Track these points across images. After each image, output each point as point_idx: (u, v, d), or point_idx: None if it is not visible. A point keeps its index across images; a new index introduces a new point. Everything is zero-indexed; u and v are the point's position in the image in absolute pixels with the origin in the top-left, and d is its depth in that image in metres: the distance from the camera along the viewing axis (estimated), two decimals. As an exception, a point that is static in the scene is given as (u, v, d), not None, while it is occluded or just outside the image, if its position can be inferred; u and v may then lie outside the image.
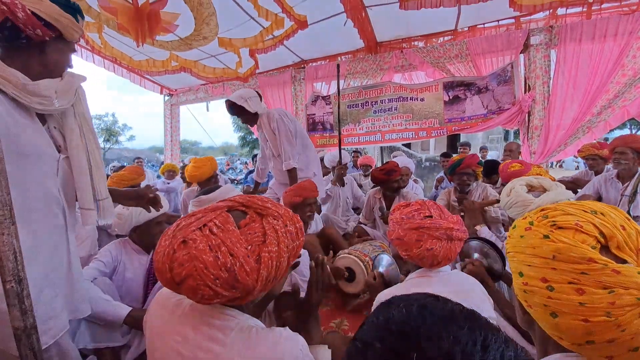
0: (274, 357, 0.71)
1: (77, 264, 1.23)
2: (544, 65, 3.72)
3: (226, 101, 2.72)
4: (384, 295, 1.16)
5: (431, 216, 1.19)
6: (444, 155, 4.88)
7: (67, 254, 1.16)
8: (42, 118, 1.10)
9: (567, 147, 3.75)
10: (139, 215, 1.65)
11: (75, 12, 1.08)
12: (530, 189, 1.52)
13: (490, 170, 3.41)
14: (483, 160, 3.57)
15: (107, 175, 4.21)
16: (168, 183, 5.05)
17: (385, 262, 1.81)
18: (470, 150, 5.10)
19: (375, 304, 1.18)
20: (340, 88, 4.93)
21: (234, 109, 2.69)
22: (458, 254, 1.71)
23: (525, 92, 3.82)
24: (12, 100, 0.98)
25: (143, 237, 1.72)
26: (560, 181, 3.55)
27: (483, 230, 1.77)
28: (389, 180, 2.97)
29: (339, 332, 1.94)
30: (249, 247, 0.70)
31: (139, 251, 1.74)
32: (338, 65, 4.06)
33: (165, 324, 0.79)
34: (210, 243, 0.67)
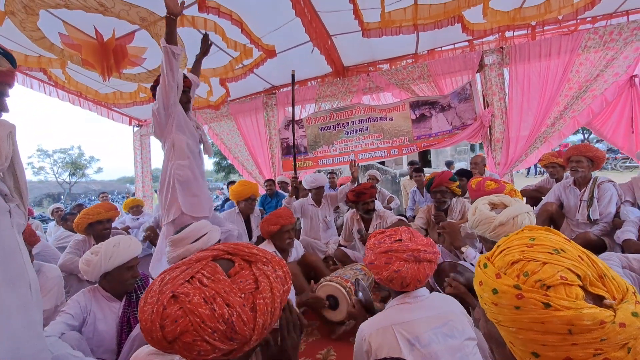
0: None
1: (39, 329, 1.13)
2: (499, 83, 4.01)
3: None
4: (367, 328, 1.17)
5: (401, 240, 1.23)
6: (415, 170, 4.89)
7: (35, 314, 1.08)
8: None
9: (527, 156, 4.02)
10: (108, 260, 1.57)
11: None
12: (493, 206, 1.61)
13: (464, 175, 3.58)
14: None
15: (71, 213, 4.00)
16: (136, 219, 4.83)
17: (360, 286, 1.82)
18: (423, 173, 4.98)
19: (359, 336, 1.18)
20: (312, 111, 5.06)
21: None
22: (434, 276, 1.76)
23: (484, 108, 4.08)
24: None
25: (114, 283, 1.62)
26: (525, 189, 3.78)
27: (468, 252, 1.80)
28: (358, 202, 3.02)
29: (326, 362, 1.90)
30: (243, 296, 0.68)
31: (110, 299, 1.65)
32: (293, 75, 4.09)
33: None
34: (204, 295, 0.65)
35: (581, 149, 2.72)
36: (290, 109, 5.21)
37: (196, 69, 2.62)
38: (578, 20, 3.82)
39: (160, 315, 0.64)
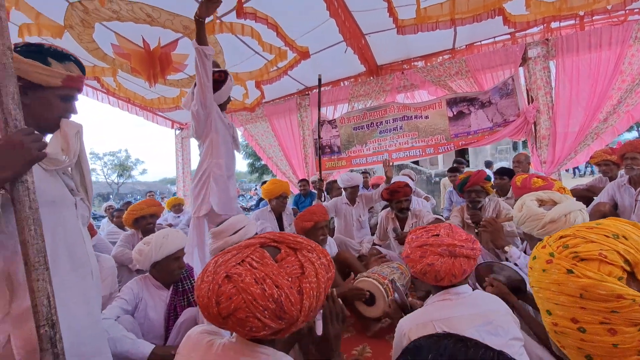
0: None
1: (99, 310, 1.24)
2: (544, 76, 3.77)
3: None
4: (406, 324, 1.15)
5: (438, 235, 1.21)
6: (451, 170, 4.86)
7: (95, 300, 1.18)
8: None
9: (577, 154, 3.73)
10: (158, 250, 1.69)
11: (45, 55, 1.03)
12: (541, 203, 1.52)
13: (505, 174, 3.41)
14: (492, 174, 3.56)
15: (120, 210, 4.33)
16: (178, 217, 5.12)
17: (395, 286, 1.80)
18: (465, 167, 5.02)
19: (398, 331, 1.17)
20: (345, 111, 5.07)
21: None
22: (475, 276, 1.69)
23: (528, 104, 3.85)
24: None
25: (162, 273, 1.74)
26: (575, 189, 3.52)
27: (513, 252, 1.72)
28: (391, 201, 2.98)
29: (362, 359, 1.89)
30: (290, 280, 0.72)
31: (159, 287, 1.77)
32: (319, 79, 4.07)
33: None
34: (255, 276, 0.69)
35: (636, 145, 2.53)
36: (324, 109, 5.27)
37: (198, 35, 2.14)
38: (627, 11, 3.51)
39: (215, 293, 0.69)
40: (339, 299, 1.05)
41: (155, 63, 3.73)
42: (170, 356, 1.42)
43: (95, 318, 1.17)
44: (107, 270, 2.23)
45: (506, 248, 1.73)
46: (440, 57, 4.41)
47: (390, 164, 3.64)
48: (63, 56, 1.07)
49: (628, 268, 0.52)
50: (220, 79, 2.34)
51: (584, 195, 3.39)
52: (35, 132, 0.95)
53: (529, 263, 0.64)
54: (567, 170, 4.95)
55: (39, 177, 1.00)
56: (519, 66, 3.87)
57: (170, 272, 1.74)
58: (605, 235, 0.55)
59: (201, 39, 2.06)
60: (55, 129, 1.10)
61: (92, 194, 1.28)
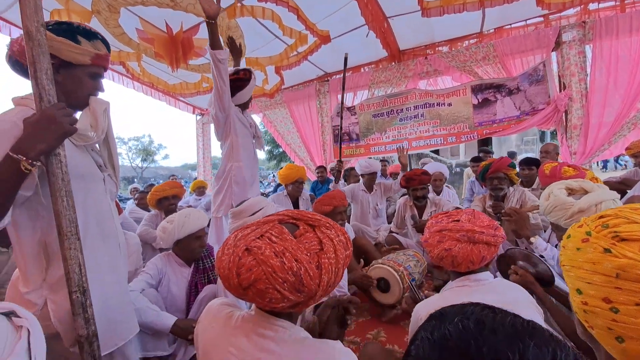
0: None
1: (126, 282, 1.30)
2: (579, 62, 3.55)
3: None
4: (423, 308, 1.15)
5: (458, 220, 1.18)
6: (474, 159, 4.72)
7: (123, 270, 1.24)
8: None
9: (611, 145, 3.53)
10: (181, 228, 1.75)
11: (75, 33, 1.05)
12: (570, 192, 1.45)
13: (532, 164, 3.27)
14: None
15: (143, 192, 4.50)
16: (199, 199, 5.26)
17: (409, 284, 1.79)
18: (492, 156, 4.91)
19: (414, 315, 1.16)
20: (364, 98, 4.99)
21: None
22: (501, 263, 1.65)
23: (560, 91, 3.65)
24: None
25: (185, 251, 1.81)
26: (607, 182, 3.35)
27: (539, 242, 1.65)
28: (407, 188, 2.93)
29: (377, 343, 1.91)
30: (309, 255, 0.72)
31: (182, 264, 1.84)
32: (346, 58, 3.92)
33: (219, 335, 0.82)
34: (274, 250, 0.70)
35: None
36: (344, 94, 5.21)
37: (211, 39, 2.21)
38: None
39: (236, 264, 0.71)
40: (349, 286, 1.06)
41: (177, 47, 3.78)
42: (191, 328, 1.48)
43: (123, 286, 1.24)
44: (133, 247, 2.33)
45: (532, 239, 1.67)
46: (467, 42, 4.23)
47: (406, 151, 3.57)
48: (91, 34, 1.10)
49: None
50: (245, 77, 2.32)
51: (617, 189, 3.18)
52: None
53: (562, 242, 0.61)
54: (596, 164, 4.71)
55: (69, 152, 1.04)
56: (552, 51, 3.66)
57: (191, 250, 1.80)
58: None
59: (214, 43, 2.02)
60: (84, 106, 1.14)
61: (119, 171, 1.33)
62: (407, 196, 3.13)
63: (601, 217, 0.58)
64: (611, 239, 0.53)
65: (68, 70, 1.08)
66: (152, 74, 5.08)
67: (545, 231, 2.40)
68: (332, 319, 1.05)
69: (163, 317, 1.55)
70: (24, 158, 0.87)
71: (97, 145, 1.24)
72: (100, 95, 1.23)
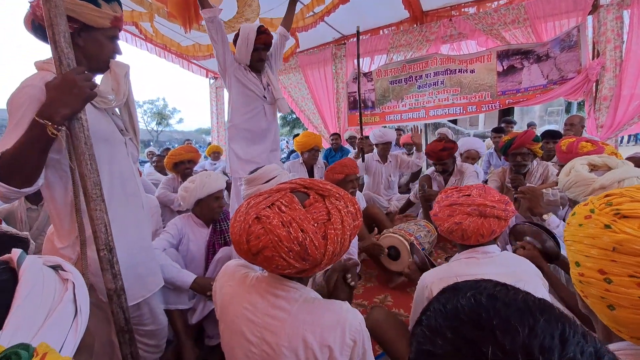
0: (337, 326, 0.77)
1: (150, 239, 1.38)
2: (616, 28, 3.27)
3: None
4: (430, 277, 1.18)
5: (469, 195, 1.18)
6: (495, 130, 4.56)
7: (146, 228, 1.31)
8: None
9: (641, 119, 3.34)
10: (202, 188, 1.83)
11: None
12: (593, 168, 1.40)
13: (555, 137, 3.16)
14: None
15: (160, 155, 4.61)
16: (214, 164, 5.35)
17: (414, 249, 1.82)
18: (514, 127, 4.72)
19: (420, 283, 1.21)
20: (382, 63, 4.78)
21: None
22: (508, 237, 1.66)
23: (593, 59, 3.41)
24: None
25: (204, 210, 1.89)
26: (632, 157, 3.20)
27: (551, 220, 1.63)
28: (430, 159, 2.91)
29: (383, 307, 2.01)
30: (316, 225, 0.75)
31: (201, 225, 1.93)
32: (358, 31, 3.72)
33: (235, 293, 0.89)
34: (282, 220, 0.74)
35: None
36: (360, 60, 5.01)
37: (286, 19, 2.49)
38: None
39: (246, 232, 0.75)
40: (359, 253, 1.11)
41: (189, 5, 3.65)
42: (209, 285, 1.58)
43: (147, 243, 1.32)
44: (152, 209, 2.43)
45: (545, 216, 1.66)
46: (496, 3, 3.92)
47: (420, 131, 3.49)
48: None
49: None
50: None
51: (641, 165, 3.10)
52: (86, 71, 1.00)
53: (567, 219, 0.63)
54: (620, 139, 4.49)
55: (92, 116, 1.07)
56: (588, 14, 3.37)
57: (211, 209, 1.88)
58: None
59: (202, 2, 2.04)
60: (105, 69, 1.15)
61: (139, 134, 1.36)
62: (433, 168, 3.09)
63: (607, 195, 0.60)
64: (613, 216, 0.55)
65: (89, 33, 1.08)
66: (165, 35, 4.97)
67: (563, 208, 2.36)
68: (340, 282, 1.12)
69: (183, 274, 1.65)
70: (50, 123, 0.90)
71: (117, 109, 1.27)
72: (119, 58, 1.23)
